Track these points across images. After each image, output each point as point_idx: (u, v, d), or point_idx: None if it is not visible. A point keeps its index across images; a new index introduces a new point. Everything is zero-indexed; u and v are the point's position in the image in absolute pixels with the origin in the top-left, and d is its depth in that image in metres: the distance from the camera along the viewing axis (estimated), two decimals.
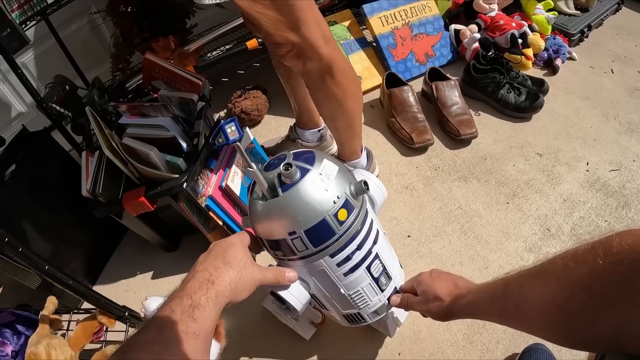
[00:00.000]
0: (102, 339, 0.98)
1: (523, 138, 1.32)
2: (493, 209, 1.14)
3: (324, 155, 0.65)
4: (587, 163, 1.25)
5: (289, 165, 0.60)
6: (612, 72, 1.58)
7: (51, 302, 0.96)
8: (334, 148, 1.31)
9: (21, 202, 1.07)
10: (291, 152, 0.65)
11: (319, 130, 1.26)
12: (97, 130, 1.00)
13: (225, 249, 0.57)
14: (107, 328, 0.96)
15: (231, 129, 0.60)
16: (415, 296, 0.70)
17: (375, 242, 0.68)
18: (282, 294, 0.65)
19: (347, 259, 0.64)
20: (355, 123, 1.01)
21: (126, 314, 0.91)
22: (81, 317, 0.99)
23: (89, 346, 0.95)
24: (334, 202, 0.60)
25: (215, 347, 0.68)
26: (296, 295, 0.66)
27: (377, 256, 0.68)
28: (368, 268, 0.67)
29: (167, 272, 1.20)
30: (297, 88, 1.17)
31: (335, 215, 0.60)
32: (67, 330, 1.02)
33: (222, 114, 1.61)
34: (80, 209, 1.14)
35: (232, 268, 0.53)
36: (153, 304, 0.86)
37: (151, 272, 1.21)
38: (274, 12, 0.77)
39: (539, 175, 1.21)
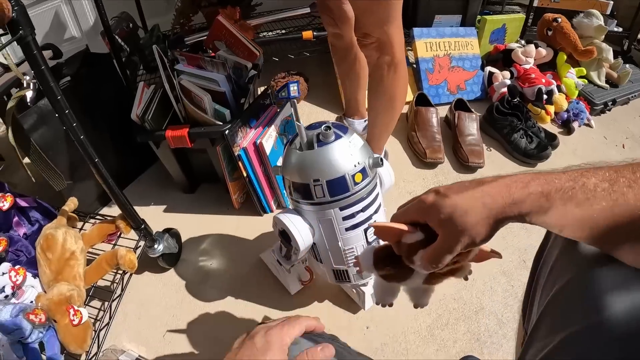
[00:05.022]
0: (113, 242, 1.09)
1: None
2: None
3: (355, 131, 0.79)
4: None
5: (328, 127, 0.74)
6: (623, 147, 1.67)
7: (72, 201, 1.08)
8: None
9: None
10: (330, 122, 0.78)
11: (364, 121, 1.41)
12: (161, 66, 1.13)
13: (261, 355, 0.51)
14: (121, 234, 1.08)
15: (294, 88, 0.74)
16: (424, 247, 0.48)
17: (376, 212, 0.80)
18: (293, 231, 0.77)
19: (352, 216, 0.77)
20: (393, 122, 1.16)
21: (143, 226, 1.02)
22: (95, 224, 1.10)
23: (95, 250, 1.06)
24: (355, 166, 0.73)
25: None
26: (303, 235, 0.78)
27: None
28: (365, 231, 0.80)
29: (180, 209, 1.32)
30: (352, 83, 1.36)
31: (353, 176, 0.73)
32: (81, 229, 1.13)
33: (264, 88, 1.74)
34: (119, 132, 1.27)
35: None
36: None
37: (164, 206, 1.34)
38: (366, 4, 0.93)
39: None
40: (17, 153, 1.09)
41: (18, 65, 1.04)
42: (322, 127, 0.73)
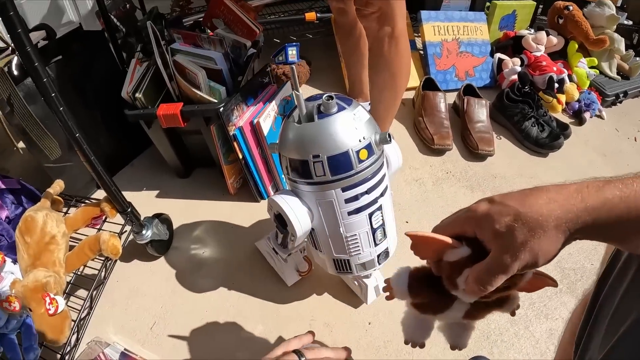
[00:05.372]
0: (98, 226, 1.02)
1: (534, 171, 1.38)
2: None
3: (361, 104, 0.71)
4: None
5: (330, 97, 0.66)
6: (635, 140, 1.63)
7: (58, 184, 1.02)
8: None
9: (60, 90, 1.12)
10: (333, 93, 0.71)
11: (369, 104, 1.35)
12: (154, 42, 1.06)
13: None
14: (106, 218, 1.01)
15: (292, 52, 0.65)
16: (478, 264, 0.40)
17: (382, 195, 0.73)
18: (289, 214, 0.70)
19: (355, 198, 0.70)
20: (397, 101, 1.12)
21: (129, 209, 0.95)
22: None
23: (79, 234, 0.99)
24: (359, 141, 0.66)
25: None
26: (300, 219, 0.71)
27: (380, 208, 0.74)
28: (370, 216, 0.73)
29: (173, 194, 1.26)
30: (356, 62, 1.32)
31: (358, 152, 0.66)
32: (66, 213, 1.06)
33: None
34: (112, 114, 1.21)
35: None
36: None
37: (157, 191, 1.28)
38: None
39: None
40: (7, 131, 1.03)
41: None
42: (324, 97, 0.66)
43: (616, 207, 0.34)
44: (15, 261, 0.92)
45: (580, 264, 1.13)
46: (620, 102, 1.77)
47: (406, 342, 0.56)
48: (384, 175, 0.73)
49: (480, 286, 0.39)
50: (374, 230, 0.75)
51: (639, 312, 0.38)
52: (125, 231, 1.01)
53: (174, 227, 1.13)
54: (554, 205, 0.36)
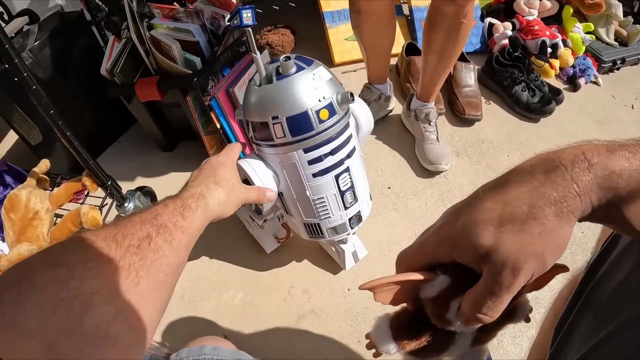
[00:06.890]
0: (80, 201, 1.03)
1: (525, 136, 1.35)
2: (476, 187, 1.18)
3: (323, 65, 0.70)
4: None
5: (288, 57, 0.65)
6: (632, 108, 1.57)
7: (43, 163, 1.04)
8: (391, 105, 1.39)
9: (42, 71, 1.13)
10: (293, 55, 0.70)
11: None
12: (130, 18, 1.05)
13: (215, 169, 0.61)
14: (88, 193, 1.03)
15: (247, 15, 0.64)
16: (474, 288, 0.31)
17: (349, 156, 0.72)
18: (253, 178, 0.70)
19: (319, 159, 0.69)
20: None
21: (109, 182, 0.96)
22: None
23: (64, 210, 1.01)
24: (319, 101, 0.65)
25: None
26: (265, 182, 0.71)
27: (347, 170, 0.73)
28: (336, 178, 0.72)
29: (159, 168, 1.27)
30: (383, 43, 1.26)
31: (318, 112, 0.65)
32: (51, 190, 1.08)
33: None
34: (95, 93, 1.21)
35: (222, 188, 0.58)
36: None
37: (143, 166, 1.29)
38: None
39: None
40: None
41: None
42: (281, 57, 0.65)
43: (635, 175, 0.27)
44: (3, 239, 0.95)
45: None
46: (618, 69, 1.71)
47: None
48: (350, 136, 0.72)
49: (483, 315, 0.30)
50: (342, 193, 0.75)
51: (633, 313, 0.32)
52: (106, 204, 1.02)
53: (159, 199, 1.14)
54: (546, 189, 0.28)
